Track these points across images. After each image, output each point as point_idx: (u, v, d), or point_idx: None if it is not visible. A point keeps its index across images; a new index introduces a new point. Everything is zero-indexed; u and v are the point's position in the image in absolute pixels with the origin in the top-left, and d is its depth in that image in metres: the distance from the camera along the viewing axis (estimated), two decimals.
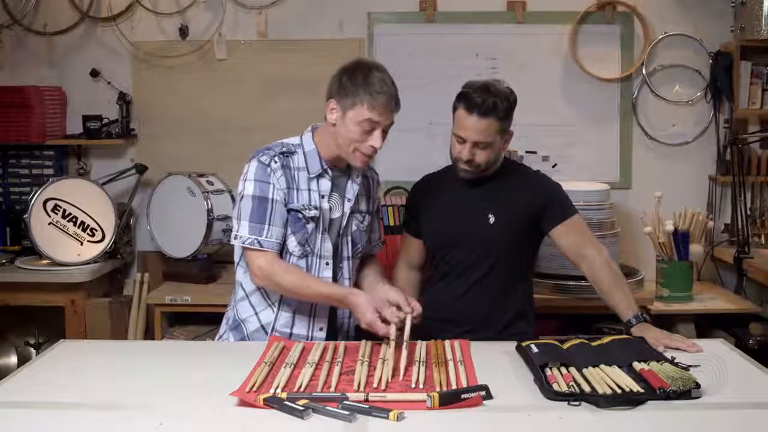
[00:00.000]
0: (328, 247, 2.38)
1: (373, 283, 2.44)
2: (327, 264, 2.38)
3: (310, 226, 2.34)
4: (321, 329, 2.40)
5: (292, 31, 3.85)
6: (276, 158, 2.31)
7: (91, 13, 3.87)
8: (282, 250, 2.34)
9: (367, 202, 2.50)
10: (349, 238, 2.43)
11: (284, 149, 2.35)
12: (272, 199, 2.30)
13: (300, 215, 2.32)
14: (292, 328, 2.38)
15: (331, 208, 2.38)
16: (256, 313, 2.40)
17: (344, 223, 2.41)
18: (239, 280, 2.44)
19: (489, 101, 2.40)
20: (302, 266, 2.35)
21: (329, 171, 2.36)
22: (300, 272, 2.32)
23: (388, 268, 2.78)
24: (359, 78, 2.27)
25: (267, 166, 2.30)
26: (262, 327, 2.39)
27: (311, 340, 2.37)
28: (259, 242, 2.29)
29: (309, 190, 2.34)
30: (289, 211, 2.32)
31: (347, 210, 2.41)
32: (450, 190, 2.60)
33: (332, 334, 2.43)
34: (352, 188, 2.42)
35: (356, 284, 2.48)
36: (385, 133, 2.30)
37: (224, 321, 2.51)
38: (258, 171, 2.31)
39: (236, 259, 2.44)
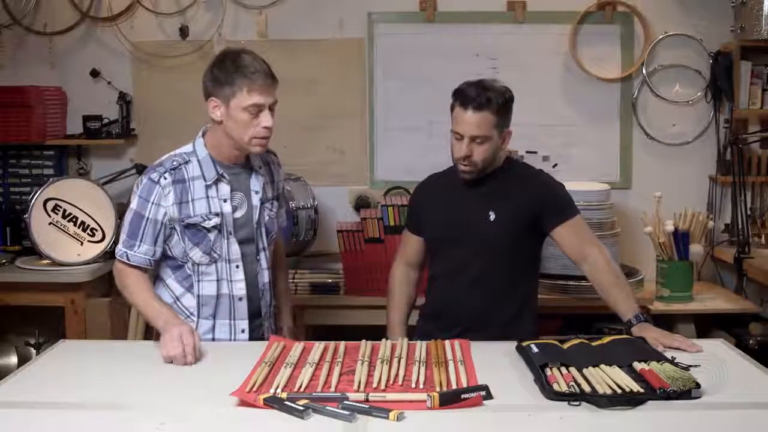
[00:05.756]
0: (236, 249, 2.39)
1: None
2: (237, 267, 2.40)
3: (212, 234, 2.35)
4: (243, 331, 2.43)
5: (292, 31, 3.85)
6: (166, 174, 2.32)
7: (91, 13, 3.87)
8: (153, 264, 2.37)
9: (272, 188, 2.51)
10: (263, 229, 2.45)
11: (175, 163, 2.35)
12: (147, 218, 2.32)
13: (200, 227, 2.34)
14: (214, 333, 2.41)
15: (235, 209, 2.38)
16: None
17: (257, 216, 2.43)
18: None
19: (483, 95, 2.42)
20: (212, 273, 2.38)
21: (225, 175, 2.37)
22: (140, 281, 2.34)
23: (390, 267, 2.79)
24: (229, 65, 2.27)
25: (156, 184, 2.32)
26: None
27: (235, 342, 2.41)
28: (128, 256, 2.34)
29: (207, 197, 2.35)
30: (187, 226, 2.33)
31: (257, 203, 2.42)
32: (452, 189, 2.61)
33: (254, 333, 2.46)
34: (257, 180, 2.43)
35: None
36: (272, 111, 2.30)
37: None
38: (144, 188, 2.33)
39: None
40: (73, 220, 3.54)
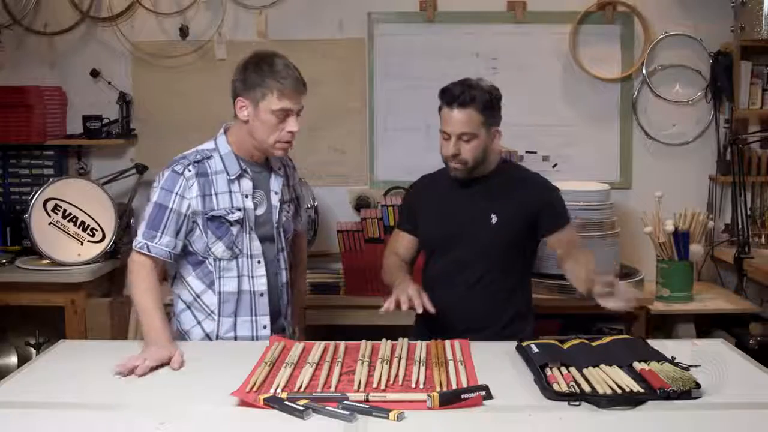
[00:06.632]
0: (257, 245, 2.40)
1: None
2: (259, 263, 2.41)
3: (235, 228, 2.35)
4: (265, 327, 2.43)
5: (292, 31, 3.85)
6: (190, 167, 2.33)
7: (91, 13, 3.87)
8: (174, 258, 2.35)
9: (288, 190, 2.53)
10: (282, 229, 2.47)
11: (199, 156, 2.36)
12: (171, 209, 2.31)
13: (223, 221, 2.34)
14: (236, 330, 2.40)
15: (256, 206, 2.40)
16: (199, 323, 2.42)
17: (276, 216, 2.44)
18: (177, 292, 2.45)
19: (468, 93, 2.43)
20: (233, 269, 2.37)
21: (248, 171, 2.38)
22: (149, 287, 2.29)
23: None
24: (264, 68, 2.29)
25: (180, 175, 2.32)
26: (207, 335, 2.41)
27: (257, 339, 2.41)
28: (148, 247, 2.31)
29: (230, 192, 2.35)
30: (211, 219, 2.33)
31: (277, 203, 2.44)
32: (450, 190, 2.60)
33: (275, 330, 2.46)
34: (277, 181, 2.45)
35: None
36: (298, 116, 2.32)
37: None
38: (168, 180, 2.32)
39: (170, 272, 2.46)
40: (73, 220, 3.54)
